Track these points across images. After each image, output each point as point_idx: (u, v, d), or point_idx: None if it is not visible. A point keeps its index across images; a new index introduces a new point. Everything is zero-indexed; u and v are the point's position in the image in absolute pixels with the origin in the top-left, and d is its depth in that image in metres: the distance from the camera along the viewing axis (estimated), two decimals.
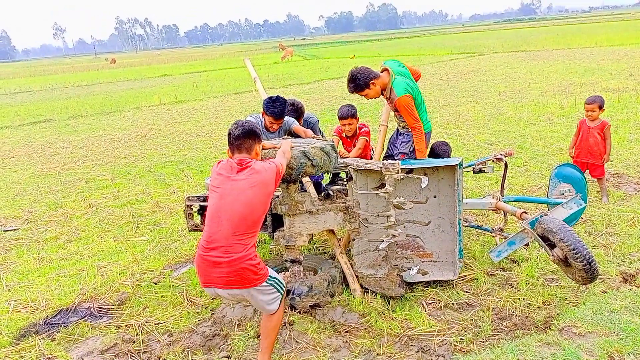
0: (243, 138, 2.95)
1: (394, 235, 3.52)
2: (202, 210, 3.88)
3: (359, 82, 4.18)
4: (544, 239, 3.38)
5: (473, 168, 4.39)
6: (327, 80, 19.84)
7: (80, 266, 4.70)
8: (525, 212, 3.74)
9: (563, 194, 4.37)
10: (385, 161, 3.57)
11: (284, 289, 2.97)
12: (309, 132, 4.40)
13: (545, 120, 9.22)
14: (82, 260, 4.84)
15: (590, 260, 3.10)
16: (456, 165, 3.61)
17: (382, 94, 4.35)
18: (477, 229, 4.60)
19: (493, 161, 4.31)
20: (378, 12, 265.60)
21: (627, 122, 8.35)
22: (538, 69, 17.39)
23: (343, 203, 3.77)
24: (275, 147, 3.34)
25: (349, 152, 4.87)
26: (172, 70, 35.24)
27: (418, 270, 3.64)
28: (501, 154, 4.30)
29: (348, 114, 4.80)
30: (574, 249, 3.10)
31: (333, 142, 3.70)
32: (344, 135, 5.00)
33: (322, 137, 4.27)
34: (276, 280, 2.91)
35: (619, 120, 8.57)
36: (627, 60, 17.33)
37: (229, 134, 2.99)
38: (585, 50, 22.82)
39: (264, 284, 2.83)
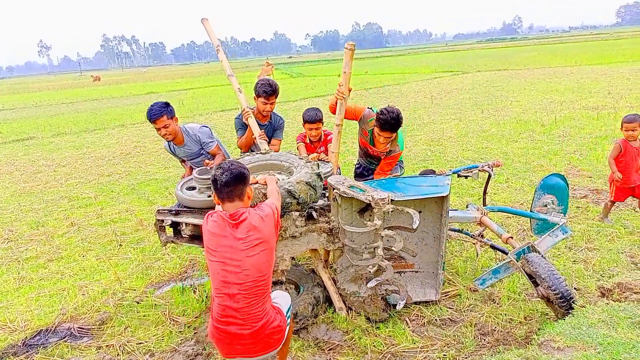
0: (233, 184, 2.62)
1: (380, 266, 3.50)
2: (176, 225, 3.77)
3: (400, 122, 4.17)
4: (530, 275, 3.42)
5: (459, 174, 4.44)
6: (313, 98, 20.00)
7: (61, 286, 4.64)
8: (511, 237, 3.67)
9: (546, 206, 4.45)
10: (374, 194, 3.38)
11: (290, 316, 2.93)
12: (219, 158, 4.45)
13: (527, 137, 9.40)
14: (63, 280, 4.77)
15: (572, 306, 3.25)
16: (446, 196, 3.59)
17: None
18: (456, 232, 4.60)
19: (480, 171, 4.38)
20: (364, 31, 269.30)
21: (606, 139, 8.56)
22: (520, 87, 17.76)
23: (327, 223, 3.69)
24: (260, 184, 3.22)
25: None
26: (158, 87, 35.22)
27: (404, 300, 3.60)
28: (488, 165, 4.36)
29: (316, 119, 4.71)
30: (560, 298, 3.23)
31: (319, 169, 3.66)
32: (308, 141, 4.88)
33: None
34: (288, 318, 2.87)
35: (597, 137, 8.78)
36: (606, 79, 17.80)
37: (215, 180, 2.64)
38: (565, 69, 23.39)
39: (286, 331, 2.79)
